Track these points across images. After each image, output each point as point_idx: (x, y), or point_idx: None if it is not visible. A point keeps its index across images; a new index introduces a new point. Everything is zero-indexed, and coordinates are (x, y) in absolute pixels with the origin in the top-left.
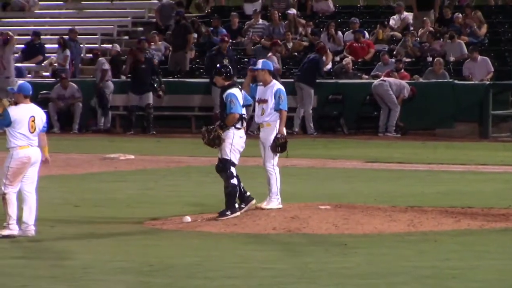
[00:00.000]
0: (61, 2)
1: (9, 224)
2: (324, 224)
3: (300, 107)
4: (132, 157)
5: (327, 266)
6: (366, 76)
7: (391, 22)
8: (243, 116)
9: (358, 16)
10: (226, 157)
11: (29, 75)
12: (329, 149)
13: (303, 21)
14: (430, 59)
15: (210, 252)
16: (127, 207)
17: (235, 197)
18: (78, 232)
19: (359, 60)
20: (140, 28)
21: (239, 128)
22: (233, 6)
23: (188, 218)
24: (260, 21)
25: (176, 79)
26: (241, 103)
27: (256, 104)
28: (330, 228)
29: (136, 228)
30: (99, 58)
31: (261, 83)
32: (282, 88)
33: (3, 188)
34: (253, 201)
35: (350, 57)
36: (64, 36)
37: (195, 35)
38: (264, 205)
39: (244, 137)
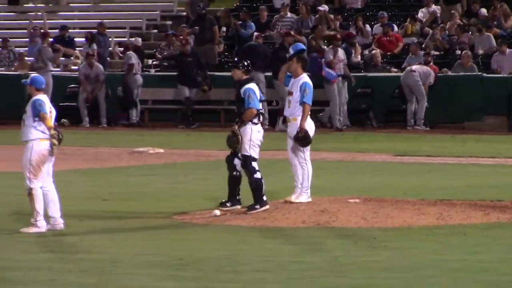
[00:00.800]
0: None
1: (37, 221)
2: (353, 217)
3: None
4: (162, 151)
5: (356, 260)
6: (395, 69)
7: (419, 15)
8: (260, 111)
9: (387, 9)
10: (246, 153)
11: (58, 69)
12: (358, 142)
13: (331, 17)
14: (458, 52)
15: (239, 246)
16: (156, 201)
17: (261, 190)
18: (107, 226)
19: (388, 54)
20: (169, 22)
21: (256, 123)
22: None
23: (217, 212)
24: (289, 14)
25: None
26: (258, 98)
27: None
28: (360, 221)
29: (165, 222)
30: (127, 52)
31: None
32: (309, 81)
33: (28, 183)
34: (239, 207)
35: (378, 50)
36: (92, 30)
37: (224, 29)
38: (293, 198)
39: (262, 131)
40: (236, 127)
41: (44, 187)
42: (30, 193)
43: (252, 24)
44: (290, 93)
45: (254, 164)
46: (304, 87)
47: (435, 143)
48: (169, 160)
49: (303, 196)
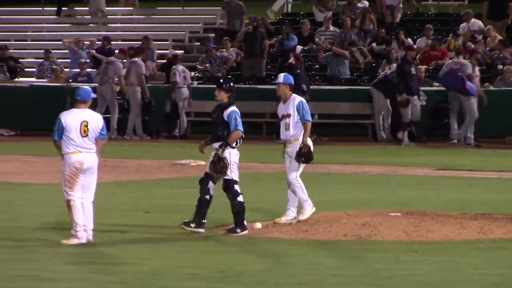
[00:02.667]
0: (132, 8)
1: (76, 231)
2: (394, 231)
3: (378, 114)
4: (203, 163)
5: (397, 273)
6: (437, 84)
7: (460, 30)
8: (242, 135)
9: (429, 23)
10: (228, 177)
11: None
12: (400, 156)
13: (373, 17)
14: (500, 67)
15: (281, 259)
16: None
17: (243, 214)
18: (148, 238)
19: (430, 68)
20: (212, 34)
21: (234, 147)
22: (304, 13)
23: (258, 225)
24: (331, 27)
25: (249, 85)
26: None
27: (280, 121)
28: (401, 235)
29: (207, 234)
30: (173, 67)
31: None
32: (303, 99)
33: (65, 195)
34: (202, 230)
35: (424, 66)
36: (133, 43)
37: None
38: (283, 220)
39: (239, 154)
40: (220, 151)
41: (82, 198)
42: (68, 204)
43: (295, 36)
44: (287, 116)
45: (236, 187)
46: (302, 106)
47: (476, 157)
48: None
49: (307, 209)
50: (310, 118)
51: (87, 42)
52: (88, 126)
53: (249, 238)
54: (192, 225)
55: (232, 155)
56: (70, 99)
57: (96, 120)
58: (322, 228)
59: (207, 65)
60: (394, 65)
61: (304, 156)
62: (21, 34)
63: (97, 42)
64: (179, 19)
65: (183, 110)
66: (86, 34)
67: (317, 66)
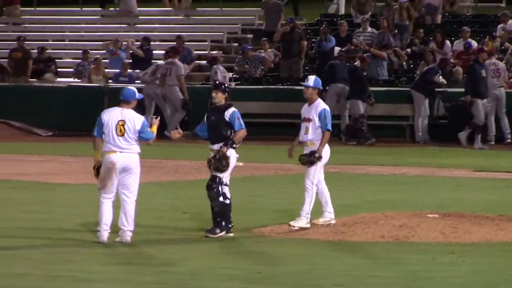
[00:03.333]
0: (170, 8)
1: (97, 231)
2: (432, 232)
3: (418, 115)
4: (241, 164)
5: (434, 275)
6: None
7: (498, 32)
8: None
9: (467, 25)
10: (219, 176)
11: (137, 81)
12: (438, 157)
13: (414, 13)
14: None
15: (318, 260)
16: (235, 214)
17: (224, 215)
18: (186, 238)
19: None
20: (250, 35)
21: (235, 148)
22: (342, 14)
23: (296, 226)
24: (369, 29)
25: (286, 86)
26: None
27: (301, 122)
28: (438, 236)
29: (244, 235)
30: (214, 66)
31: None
32: (327, 107)
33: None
34: (231, 234)
35: (460, 68)
36: (172, 43)
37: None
38: (321, 221)
39: (238, 156)
40: (226, 149)
41: (122, 197)
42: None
43: (333, 38)
44: (308, 120)
45: (221, 187)
46: (324, 114)
47: None
48: (248, 173)
49: (302, 220)
50: (330, 128)
51: (125, 43)
52: (125, 126)
53: (287, 239)
54: (217, 231)
55: (232, 156)
56: (107, 99)
57: (134, 120)
58: (359, 229)
59: (246, 66)
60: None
61: (309, 162)
62: (59, 34)
63: (136, 43)
64: (217, 20)
65: None
66: (125, 35)
67: None
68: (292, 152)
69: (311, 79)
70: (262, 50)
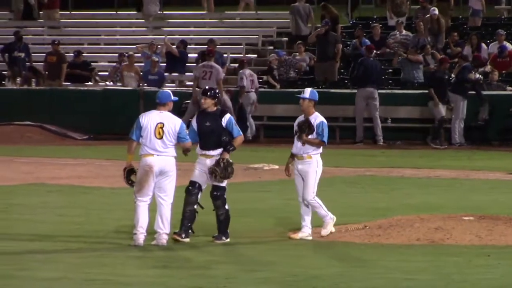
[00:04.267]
0: (205, 12)
1: (133, 234)
2: (467, 235)
3: (455, 118)
4: (276, 167)
5: (470, 277)
6: (510, 88)
7: None
8: None
9: (503, 27)
10: (223, 184)
11: (173, 84)
12: (473, 160)
13: (443, 22)
14: None
15: (353, 263)
16: (271, 217)
17: (229, 222)
18: (221, 242)
19: (503, 72)
20: (285, 38)
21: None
22: (377, 17)
23: (332, 229)
24: (404, 31)
25: (321, 89)
26: None
27: (297, 133)
28: (474, 239)
29: (279, 238)
30: (240, 71)
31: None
32: (324, 120)
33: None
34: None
35: (496, 71)
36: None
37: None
38: (299, 236)
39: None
40: (228, 156)
41: (159, 200)
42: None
43: (367, 40)
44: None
45: (225, 195)
46: (322, 127)
47: None
48: (283, 176)
49: (329, 224)
50: (326, 141)
51: (159, 46)
52: (164, 129)
53: (323, 242)
54: (223, 238)
55: None
56: (143, 102)
57: (173, 123)
58: (395, 232)
59: (281, 68)
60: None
61: (303, 128)
62: (94, 38)
63: (173, 47)
64: (252, 23)
65: (250, 114)
66: (160, 38)
67: (390, 70)
68: (288, 170)
69: (307, 91)
70: (297, 53)
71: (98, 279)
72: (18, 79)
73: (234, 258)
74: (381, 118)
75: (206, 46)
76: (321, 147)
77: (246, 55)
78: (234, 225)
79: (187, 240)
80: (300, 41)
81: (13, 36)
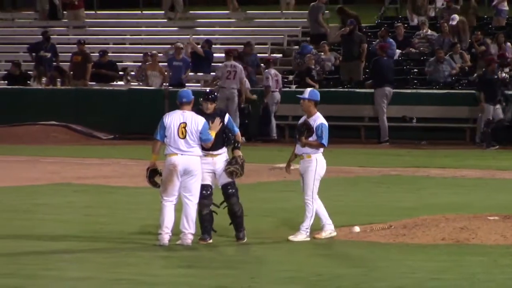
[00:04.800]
0: (230, 11)
1: (158, 234)
2: (492, 235)
3: (484, 117)
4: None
5: (495, 277)
6: None
7: None
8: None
9: None
10: (232, 180)
11: (198, 84)
12: (499, 160)
13: (466, 27)
14: None
15: (378, 263)
16: (296, 216)
17: (243, 217)
18: (247, 241)
19: None
20: (308, 38)
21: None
22: (402, 16)
23: (357, 228)
24: (429, 31)
25: (346, 89)
26: None
27: (296, 135)
28: (499, 239)
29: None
30: (265, 70)
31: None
32: (325, 122)
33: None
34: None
35: None
36: (231, 46)
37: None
38: (323, 235)
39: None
40: (241, 153)
41: (184, 200)
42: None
43: (392, 40)
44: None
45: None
46: (321, 129)
47: None
48: None
49: (301, 234)
50: (325, 143)
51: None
52: (186, 128)
53: (347, 242)
54: (241, 234)
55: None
56: (168, 102)
57: (196, 122)
58: (420, 232)
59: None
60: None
61: (302, 131)
62: (119, 38)
63: (198, 46)
64: (278, 23)
65: (273, 114)
66: (185, 38)
67: (415, 70)
68: (289, 168)
69: (307, 92)
70: (322, 53)
71: (124, 279)
72: (44, 79)
73: (259, 257)
74: (406, 118)
75: (231, 46)
76: (320, 146)
77: (272, 55)
78: (258, 224)
79: (211, 241)
80: (324, 41)
81: (39, 36)
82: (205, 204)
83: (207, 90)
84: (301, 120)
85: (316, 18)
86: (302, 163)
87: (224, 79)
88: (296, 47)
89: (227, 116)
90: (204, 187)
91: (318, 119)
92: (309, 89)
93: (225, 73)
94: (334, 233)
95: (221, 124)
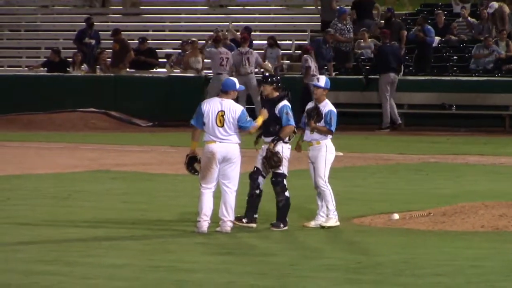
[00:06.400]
0: None
1: (196, 221)
2: None
3: None
4: (341, 154)
5: None
6: None
7: None
8: (294, 130)
9: None
10: (280, 171)
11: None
12: None
13: (506, 14)
14: None
15: (418, 250)
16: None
17: (288, 209)
18: (284, 228)
19: None
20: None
21: (287, 142)
22: (442, 4)
23: (396, 216)
24: (469, 18)
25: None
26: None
27: (306, 120)
28: None
29: (343, 225)
30: (304, 55)
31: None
32: (334, 109)
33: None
34: (255, 225)
35: None
36: (271, 33)
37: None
38: (312, 224)
39: (290, 147)
40: (272, 146)
41: (223, 188)
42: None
43: (431, 28)
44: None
45: (285, 181)
46: (330, 115)
47: None
48: (348, 163)
49: (331, 219)
50: (333, 129)
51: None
52: (224, 116)
53: (386, 229)
54: (244, 220)
55: (284, 149)
56: (206, 89)
57: (234, 110)
58: (459, 219)
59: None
60: None
61: (312, 115)
62: (159, 25)
63: (237, 33)
64: (315, 10)
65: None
66: (224, 25)
67: (455, 57)
68: (299, 148)
69: (322, 80)
70: (362, 40)
71: (162, 266)
72: (83, 66)
73: (298, 244)
74: (445, 105)
75: (271, 33)
76: (329, 133)
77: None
78: (300, 211)
79: (252, 225)
80: (364, 28)
81: (78, 23)
82: (251, 186)
83: (266, 74)
84: (310, 105)
85: (330, 4)
86: (311, 150)
87: (218, 66)
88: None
89: (281, 103)
90: (253, 169)
91: (327, 106)
92: (323, 78)
93: (217, 60)
94: (338, 223)
95: (267, 113)
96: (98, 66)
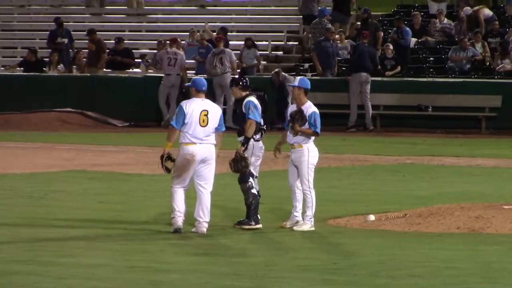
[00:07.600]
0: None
1: (171, 218)
2: (508, 224)
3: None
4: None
5: (510, 266)
6: None
7: None
8: (262, 127)
9: None
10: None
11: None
12: None
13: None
14: None
15: (394, 251)
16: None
17: (257, 207)
18: (261, 229)
19: None
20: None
21: (257, 140)
22: (419, 5)
23: (372, 217)
24: (445, 20)
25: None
26: (260, 112)
27: (290, 124)
28: None
29: (319, 226)
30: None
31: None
32: (317, 111)
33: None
34: (260, 226)
35: None
36: (248, 34)
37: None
38: (288, 225)
39: (263, 147)
40: (242, 150)
41: (199, 189)
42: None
43: (408, 29)
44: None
45: (251, 180)
46: (314, 117)
47: None
48: (324, 164)
49: (306, 225)
50: (318, 131)
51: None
52: (208, 116)
53: (362, 230)
54: (252, 223)
55: (255, 148)
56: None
57: (216, 110)
58: (435, 220)
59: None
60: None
61: (296, 119)
62: (135, 25)
63: (213, 34)
64: (294, 11)
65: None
66: (201, 26)
67: (431, 59)
68: (277, 151)
69: (297, 80)
70: (339, 42)
71: (138, 266)
72: (60, 66)
73: (274, 245)
74: (421, 106)
75: (248, 34)
76: (314, 135)
77: (287, 43)
78: (274, 213)
79: (258, 226)
80: (341, 29)
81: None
82: (243, 190)
83: (235, 77)
84: (292, 108)
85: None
86: (293, 153)
87: (166, 66)
88: (310, 35)
89: (246, 100)
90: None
91: (310, 108)
92: (299, 77)
93: (165, 60)
94: (313, 228)
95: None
96: (74, 66)
